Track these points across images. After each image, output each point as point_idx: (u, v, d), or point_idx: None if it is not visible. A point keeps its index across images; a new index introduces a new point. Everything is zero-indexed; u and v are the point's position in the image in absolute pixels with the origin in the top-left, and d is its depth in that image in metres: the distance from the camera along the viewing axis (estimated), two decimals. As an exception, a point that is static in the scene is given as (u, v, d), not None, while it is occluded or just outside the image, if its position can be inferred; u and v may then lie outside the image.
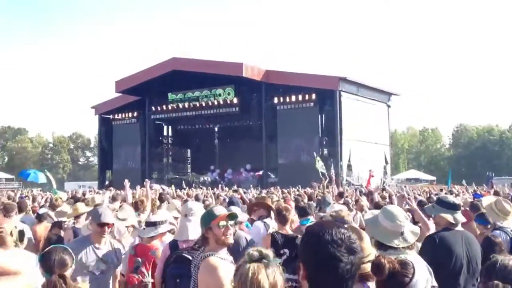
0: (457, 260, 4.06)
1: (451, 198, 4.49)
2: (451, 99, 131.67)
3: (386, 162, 42.14)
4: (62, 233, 7.00)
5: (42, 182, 17.32)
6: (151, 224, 5.33)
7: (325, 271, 1.67)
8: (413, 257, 3.39)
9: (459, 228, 4.36)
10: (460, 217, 4.37)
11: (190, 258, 4.09)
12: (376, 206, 7.28)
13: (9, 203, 8.22)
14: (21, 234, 4.33)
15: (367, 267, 2.87)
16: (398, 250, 3.36)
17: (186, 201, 6.79)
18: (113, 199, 9.33)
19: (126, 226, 6.29)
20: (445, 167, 63.62)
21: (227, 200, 9.65)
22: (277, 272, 1.96)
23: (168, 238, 5.41)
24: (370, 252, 2.97)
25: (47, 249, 3.30)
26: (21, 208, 8.49)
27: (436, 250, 4.05)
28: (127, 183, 9.04)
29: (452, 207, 4.38)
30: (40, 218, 7.97)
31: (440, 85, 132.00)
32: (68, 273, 3.10)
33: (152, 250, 5.17)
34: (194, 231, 4.59)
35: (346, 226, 1.92)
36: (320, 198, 9.56)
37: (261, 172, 38.70)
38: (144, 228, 5.47)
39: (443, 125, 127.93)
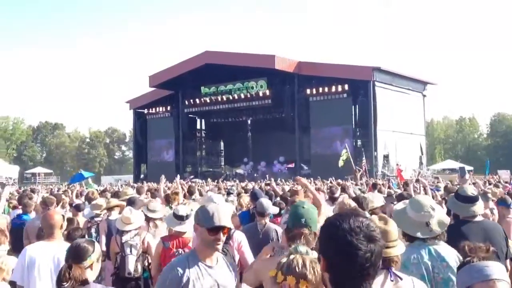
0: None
1: (469, 191, 4.40)
2: (488, 87, 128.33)
3: (422, 153, 41.48)
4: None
5: (88, 176, 17.87)
6: (179, 218, 5.23)
7: (344, 260, 1.67)
8: (443, 248, 3.34)
9: (478, 218, 4.29)
10: (478, 208, 4.29)
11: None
12: (399, 197, 7.19)
13: (48, 197, 8.48)
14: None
15: (392, 251, 2.86)
16: (426, 241, 3.33)
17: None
18: (138, 191, 9.47)
19: (155, 218, 6.37)
20: (483, 157, 62.19)
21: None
22: (315, 262, 2.30)
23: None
24: (396, 237, 2.95)
25: (75, 242, 3.37)
26: (58, 202, 8.72)
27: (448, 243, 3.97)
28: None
29: (470, 200, 4.31)
30: (78, 208, 8.16)
31: (477, 73, 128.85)
32: (84, 264, 3.13)
33: (190, 242, 5.12)
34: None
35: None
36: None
37: (292, 164, 38.61)
38: (180, 223, 5.27)
39: (480, 114, 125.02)
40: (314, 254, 2.53)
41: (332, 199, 8.96)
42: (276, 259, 3.03)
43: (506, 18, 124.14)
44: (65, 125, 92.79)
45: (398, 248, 2.93)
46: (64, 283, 2.97)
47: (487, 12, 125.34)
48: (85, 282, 3.07)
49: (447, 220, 3.57)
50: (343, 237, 1.67)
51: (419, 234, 3.39)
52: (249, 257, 4.63)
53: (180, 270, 2.98)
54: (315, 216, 3.36)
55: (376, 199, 6.11)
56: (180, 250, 5.03)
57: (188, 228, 5.14)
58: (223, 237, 3.06)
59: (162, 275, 3.06)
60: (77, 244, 3.21)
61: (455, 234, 3.95)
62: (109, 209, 7.18)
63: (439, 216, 3.52)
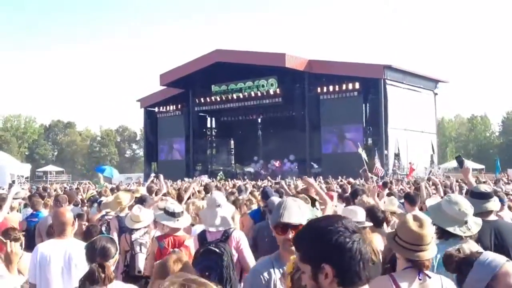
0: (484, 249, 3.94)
1: (482, 188, 4.36)
2: (500, 85, 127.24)
3: (433, 151, 41.23)
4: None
5: (115, 177, 17.97)
6: (170, 214, 5.16)
7: (353, 263, 1.74)
8: (473, 247, 3.33)
9: (491, 217, 4.24)
10: (492, 205, 4.25)
11: (218, 251, 4.17)
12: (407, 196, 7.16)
13: (61, 195, 8.56)
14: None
15: (425, 255, 2.83)
16: (460, 239, 3.31)
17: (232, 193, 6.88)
18: (149, 191, 9.48)
19: None
20: (495, 155, 61.63)
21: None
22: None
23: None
24: (430, 240, 2.92)
25: (93, 239, 3.38)
26: (70, 200, 8.78)
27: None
28: (161, 177, 9.32)
29: (484, 197, 4.26)
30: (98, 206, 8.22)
31: (489, 71, 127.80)
32: (110, 262, 3.15)
33: (186, 241, 5.06)
34: (224, 221, 4.66)
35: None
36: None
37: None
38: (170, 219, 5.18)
39: (492, 112, 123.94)
40: None
41: (343, 198, 8.93)
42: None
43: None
44: (77, 123, 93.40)
45: (430, 252, 2.89)
46: (98, 283, 2.97)
47: (499, 10, 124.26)
48: (112, 280, 3.11)
49: (480, 221, 3.56)
50: (351, 241, 1.75)
51: (458, 231, 3.38)
52: (248, 257, 4.57)
53: (266, 275, 2.80)
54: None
55: (393, 204, 6.13)
56: (176, 250, 5.01)
57: (180, 225, 5.15)
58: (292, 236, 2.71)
59: (246, 282, 2.98)
60: (103, 243, 3.23)
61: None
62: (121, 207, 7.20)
63: (473, 217, 3.51)
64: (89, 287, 2.95)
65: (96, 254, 3.15)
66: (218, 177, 32.77)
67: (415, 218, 2.96)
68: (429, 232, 2.92)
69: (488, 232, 4.01)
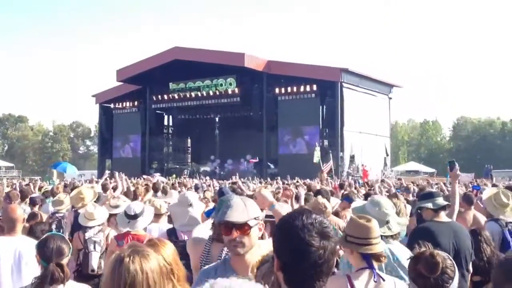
0: (444, 251, 4.08)
1: (427, 190, 4.59)
2: (452, 91, 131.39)
3: (387, 154, 42.16)
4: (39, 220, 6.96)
5: (69, 173, 17.52)
6: (129, 216, 5.04)
7: (297, 257, 1.67)
8: (397, 247, 3.45)
9: (446, 219, 4.40)
10: (440, 201, 4.42)
11: None
12: (367, 196, 7.35)
13: (12, 192, 8.31)
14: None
15: (377, 247, 2.91)
16: (383, 239, 3.41)
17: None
18: (104, 188, 9.33)
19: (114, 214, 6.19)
20: (445, 159, 63.59)
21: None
22: None
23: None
24: (378, 234, 3.00)
25: (43, 237, 3.30)
26: (23, 197, 8.54)
27: (420, 242, 4.07)
28: (116, 174, 9.19)
29: (430, 196, 4.49)
30: (33, 202, 8.00)
31: (441, 77, 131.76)
32: (65, 261, 3.09)
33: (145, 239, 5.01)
34: (194, 221, 4.64)
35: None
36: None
37: (256, 159, 38.60)
38: (128, 222, 5.05)
39: (443, 118, 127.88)
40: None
41: (297, 198, 9.00)
42: None
43: (470, 23, 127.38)
44: (29, 118, 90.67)
45: (381, 245, 3.00)
46: (56, 282, 2.90)
47: (451, 17, 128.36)
48: (69, 279, 3.06)
49: (404, 222, 3.68)
50: (296, 234, 1.67)
51: (380, 230, 3.46)
52: None
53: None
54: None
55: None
56: None
57: (140, 227, 5.05)
58: (240, 238, 2.53)
59: None
60: (57, 242, 3.15)
61: (425, 232, 4.05)
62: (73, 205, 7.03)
63: (396, 216, 3.64)
64: (47, 287, 2.88)
65: (52, 253, 3.07)
66: (174, 176, 32.48)
67: (360, 216, 3.08)
68: (376, 226, 3.01)
69: (446, 232, 4.16)
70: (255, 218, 2.59)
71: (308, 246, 1.66)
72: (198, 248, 3.34)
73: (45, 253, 3.07)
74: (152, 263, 2.09)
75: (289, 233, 1.69)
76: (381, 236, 3.44)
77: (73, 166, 17.54)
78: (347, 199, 7.47)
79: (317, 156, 24.08)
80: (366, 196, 7.34)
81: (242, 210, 2.56)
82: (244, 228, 2.54)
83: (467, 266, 4.09)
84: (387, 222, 3.52)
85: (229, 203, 2.60)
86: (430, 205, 4.36)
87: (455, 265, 2.70)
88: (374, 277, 2.77)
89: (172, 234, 4.83)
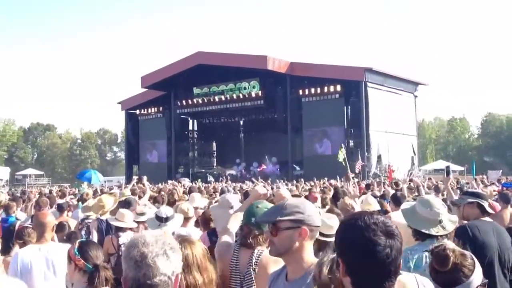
0: (489, 250, 3.99)
1: (476, 190, 4.46)
2: (479, 88, 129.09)
3: (414, 153, 41.59)
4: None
5: (94, 183, 17.59)
6: (159, 219, 5.11)
7: (364, 258, 1.64)
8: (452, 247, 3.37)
9: (488, 219, 4.31)
10: (486, 206, 4.31)
11: None
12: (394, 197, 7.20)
13: (42, 199, 8.44)
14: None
15: None
16: (436, 239, 3.34)
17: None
18: (132, 193, 9.36)
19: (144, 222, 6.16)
20: (474, 157, 62.57)
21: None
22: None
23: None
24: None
25: (79, 242, 3.29)
26: (50, 204, 8.67)
27: (468, 240, 3.98)
28: (144, 179, 9.23)
29: (479, 197, 4.35)
30: (61, 209, 8.09)
31: (468, 74, 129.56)
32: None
33: None
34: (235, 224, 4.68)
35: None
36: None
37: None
38: (159, 224, 5.12)
39: (471, 115, 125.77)
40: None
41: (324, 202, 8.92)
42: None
43: (497, 19, 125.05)
44: (57, 126, 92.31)
45: None
46: (108, 283, 2.96)
47: (478, 14, 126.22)
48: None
49: (456, 219, 3.61)
50: (360, 234, 1.65)
51: (433, 231, 3.40)
52: None
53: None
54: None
55: (374, 203, 6.14)
56: None
57: (169, 230, 5.07)
58: (271, 238, 2.43)
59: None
60: (93, 246, 3.19)
61: (474, 230, 3.98)
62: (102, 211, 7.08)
63: (448, 214, 3.56)
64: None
65: (94, 257, 3.09)
66: (200, 180, 32.66)
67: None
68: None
69: (491, 232, 4.09)
70: (294, 220, 2.38)
71: (375, 245, 1.63)
72: (227, 255, 3.31)
73: (89, 257, 3.07)
74: (198, 248, 2.72)
75: (353, 234, 1.67)
76: (436, 236, 3.40)
77: (98, 174, 17.57)
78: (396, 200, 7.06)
79: (342, 155, 23.77)
80: (394, 197, 7.20)
81: (276, 210, 2.46)
82: (272, 230, 2.42)
83: (508, 265, 4.01)
84: (440, 221, 3.45)
85: (272, 207, 2.70)
86: (486, 205, 4.26)
87: (476, 264, 2.61)
88: None
89: (213, 236, 4.82)
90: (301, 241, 2.41)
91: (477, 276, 2.46)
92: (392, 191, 9.56)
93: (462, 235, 3.97)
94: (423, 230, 3.45)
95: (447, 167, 5.42)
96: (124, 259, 1.80)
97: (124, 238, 5.75)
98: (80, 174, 18.83)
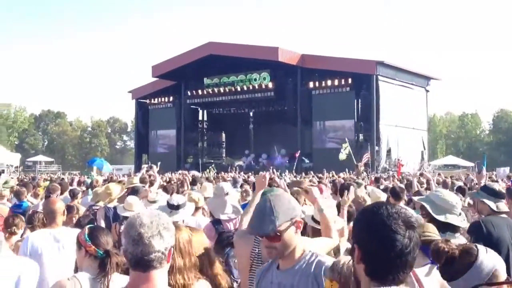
0: (504, 245, 3.96)
1: (496, 186, 4.38)
2: (491, 83, 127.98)
3: (424, 148, 41.42)
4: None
5: (105, 171, 17.59)
6: (171, 206, 5.10)
7: (382, 245, 1.62)
8: (463, 241, 3.38)
9: (503, 215, 4.27)
10: (502, 206, 4.28)
11: None
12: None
13: (53, 185, 8.48)
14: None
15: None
16: (455, 232, 3.36)
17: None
18: (142, 182, 9.33)
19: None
20: (485, 153, 62.19)
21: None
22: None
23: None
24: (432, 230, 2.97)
25: (89, 227, 3.29)
26: (62, 190, 8.71)
27: (482, 235, 3.95)
28: (154, 167, 9.23)
29: (496, 195, 4.30)
30: (73, 194, 8.13)
31: (480, 69, 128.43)
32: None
33: None
34: (236, 209, 4.70)
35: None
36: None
37: (297, 153, 38.31)
38: (170, 211, 4.98)
39: (483, 110, 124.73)
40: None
41: (335, 192, 8.91)
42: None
43: (506, 12, 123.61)
44: (67, 114, 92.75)
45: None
46: (119, 269, 2.99)
47: (492, 9, 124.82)
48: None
49: (465, 215, 3.62)
50: (381, 221, 1.64)
51: (458, 220, 3.45)
52: None
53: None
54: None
55: (382, 195, 6.12)
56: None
57: (180, 218, 5.07)
58: (271, 244, 2.42)
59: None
60: (103, 232, 3.19)
61: (488, 225, 3.97)
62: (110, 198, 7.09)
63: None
64: (112, 273, 2.92)
65: (105, 242, 3.08)
66: (208, 170, 32.65)
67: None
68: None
69: (505, 227, 4.06)
70: (290, 219, 2.42)
71: (395, 234, 1.62)
72: (247, 246, 3.28)
73: (99, 243, 3.06)
74: (183, 234, 2.81)
75: (374, 221, 1.66)
76: (457, 228, 3.45)
77: (107, 163, 17.67)
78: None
79: (344, 153, 23.62)
80: (393, 191, 7.17)
81: (269, 217, 2.38)
82: (273, 238, 2.40)
83: None
84: (460, 214, 3.49)
85: (258, 209, 2.48)
86: (493, 205, 4.22)
87: (480, 250, 2.57)
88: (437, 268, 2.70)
89: (217, 224, 4.83)
90: (298, 234, 2.49)
91: (487, 259, 2.41)
92: (401, 185, 9.52)
93: (476, 231, 3.95)
94: (453, 222, 3.47)
95: (479, 163, 5.39)
96: (123, 235, 2.06)
97: None
98: (91, 161, 18.95)
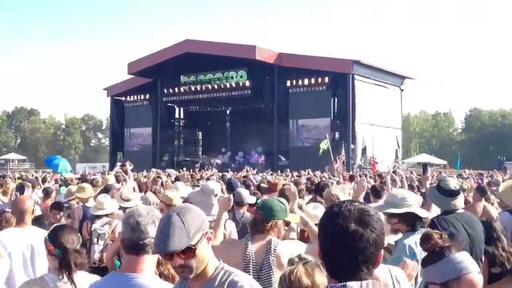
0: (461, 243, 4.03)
1: (451, 184, 4.38)
2: (464, 83, 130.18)
3: (398, 146, 41.90)
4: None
5: (60, 172, 16.65)
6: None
7: (333, 244, 1.66)
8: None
9: (459, 210, 4.32)
10: (459, 202, 4.31)
11: None
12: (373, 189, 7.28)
13: (24, 182, 8.35)
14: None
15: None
16: (423, 228, 3.45)
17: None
18: (116, 179, 9.20)
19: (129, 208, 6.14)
20: (457, 151, 63.21)
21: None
22: (316, 270, 2.32)
23: None
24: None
25: (53, 227, 3.26)
26: (33, 187, 8.59)
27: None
28: (128, 166, 9.12)
29: (451, 194, 4.31)
30: (47, 193, 8.01)
31: (453, 69, 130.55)
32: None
33: None
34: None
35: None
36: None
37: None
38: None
39: (456, 109, 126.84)
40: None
41: (309, 190, 8.96)
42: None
43: (483, 15, 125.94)
44: (41, 111, 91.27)
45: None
46: (81, 268, 2.96)
47: (464, 9, 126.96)
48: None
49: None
50: (331, 220, 1.67)
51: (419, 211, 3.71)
52: None
53: None
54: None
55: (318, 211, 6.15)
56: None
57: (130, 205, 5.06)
58: (186, 262, 2.11)
59: None
60: (67, 231, 3.12)
61: (443, 225, 4.02)
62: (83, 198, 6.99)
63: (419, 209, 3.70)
64: (72, 273, 2.88)
65: (66, 242, 3.02)
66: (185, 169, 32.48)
67: None
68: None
69: (460, 224, 4.10)
70: (201, 230, 2.15)
71: (342, 231, 1.64)
72: (236, 250, 3.43)
73: (59, 242, 3.01)
74: None
75: (325, 221, 1.71)
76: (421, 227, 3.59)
77: (67, 163, 16.64)
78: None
79: (322, 149, 23.69)
80: (373, 189, 7.25)
81: (180, 231, 2.07)
82: (187, 253, 2.09)
83: (480, 256, 4.05)
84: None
85: (164, 224, 2.10)
86: (448, 206, 4.29)
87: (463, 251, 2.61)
88: None
89: None
90: (209, 246, 2.22)
91: (465, 258, 2.44)
92: (373, 183, 9.60)
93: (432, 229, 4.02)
94: (413, 210, 3.69)
95: (424, 165, 5.56)
96: (123, 224, 2.43)
97: (98, 224, 5.70)
98: (48, 160, 17.79)
